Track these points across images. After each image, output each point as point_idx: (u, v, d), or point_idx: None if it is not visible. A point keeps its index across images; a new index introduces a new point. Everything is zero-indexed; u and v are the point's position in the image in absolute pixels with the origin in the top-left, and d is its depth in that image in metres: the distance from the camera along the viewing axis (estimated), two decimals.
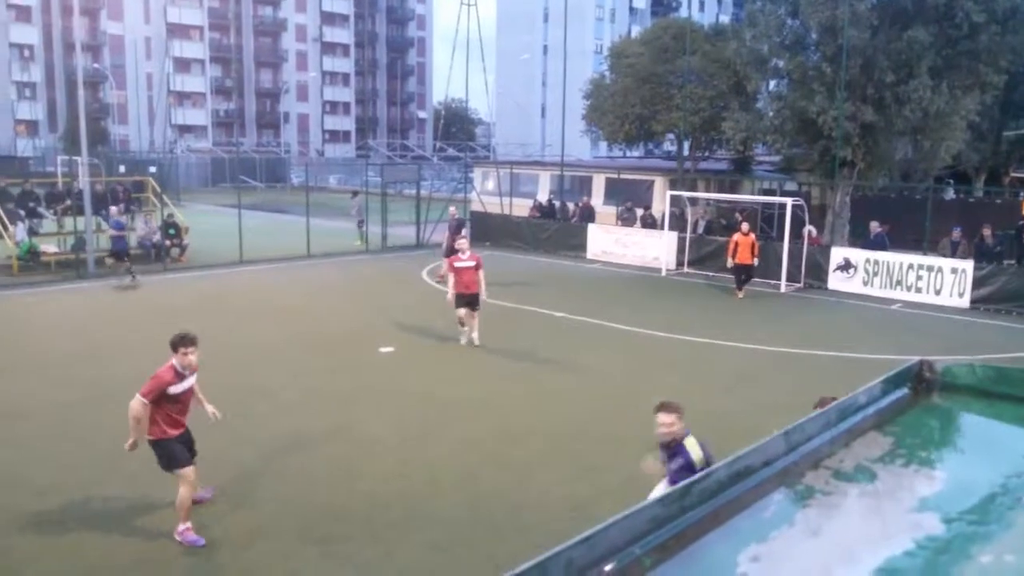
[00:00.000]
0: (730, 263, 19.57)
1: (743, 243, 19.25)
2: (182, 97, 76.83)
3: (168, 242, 22.88)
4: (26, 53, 68.04)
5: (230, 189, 43.79)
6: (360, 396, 11.29)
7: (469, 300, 13.80)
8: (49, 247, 21.74)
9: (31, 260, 20.90)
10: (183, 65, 76.45)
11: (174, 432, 7.12)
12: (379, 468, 8.79)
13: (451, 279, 13.85)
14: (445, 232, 21.47)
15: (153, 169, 37.34)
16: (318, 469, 8.74)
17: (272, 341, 14.27)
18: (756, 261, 19.46)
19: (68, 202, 20.89)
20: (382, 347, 13.79)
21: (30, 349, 13.63)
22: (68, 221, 21.96)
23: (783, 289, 20.21)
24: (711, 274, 21.99)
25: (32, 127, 68.57)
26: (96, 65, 67.36)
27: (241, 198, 25.63)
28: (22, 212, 22.16)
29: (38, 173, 41.55)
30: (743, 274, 19.43)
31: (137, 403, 6.94)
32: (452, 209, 21.14)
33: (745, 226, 19.71)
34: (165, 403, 7.06)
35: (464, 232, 19.44)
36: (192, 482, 7.15)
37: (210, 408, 7.58)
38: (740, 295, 19.32)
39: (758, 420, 9.64)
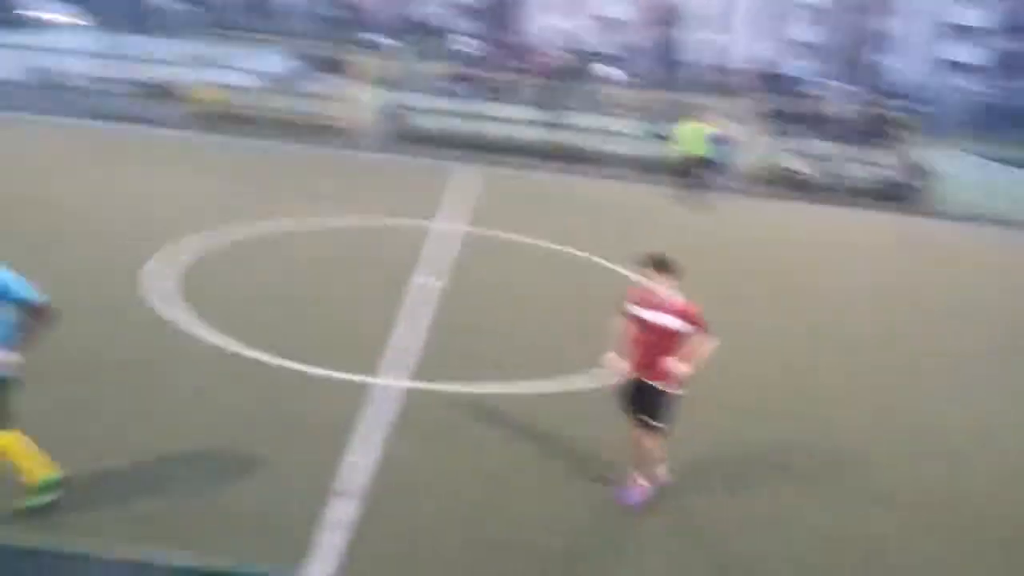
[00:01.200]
0: None
1: None
2: (958, 31, 71.15)
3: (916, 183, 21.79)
4: None
5: (999, 139, 39.25)
6: None
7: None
8: (802, 167, 22.30)
9: (774, 176, 21.90)
10: None
11: (625, 364, 6.10)
12: None
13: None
14: None
15: (914, 105, 35.59)
16: None
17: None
18: None
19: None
20: None
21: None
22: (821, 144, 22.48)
23: None
24: None
25: (809, 49, 71.74)
26: None
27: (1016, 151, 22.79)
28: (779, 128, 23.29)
29: (800, 94, 43.29)
30: None
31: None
32: None
33: None
34: (635, 326, 6.09)
35: None
36: (650, 443, 6.10)
37: (681, 366, 5.89)
38: None
39: None
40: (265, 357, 7.94)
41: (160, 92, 23.79)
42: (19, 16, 35.63)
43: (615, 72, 41.21)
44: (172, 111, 21.75)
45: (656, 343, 5.93)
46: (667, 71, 55.40)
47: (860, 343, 10.60)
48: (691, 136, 18.82)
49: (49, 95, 21.20)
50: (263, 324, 8.84)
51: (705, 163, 18.91)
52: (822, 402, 8.56)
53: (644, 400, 6.06)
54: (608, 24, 69.18)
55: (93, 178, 14.98)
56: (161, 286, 9.54)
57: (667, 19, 67.75)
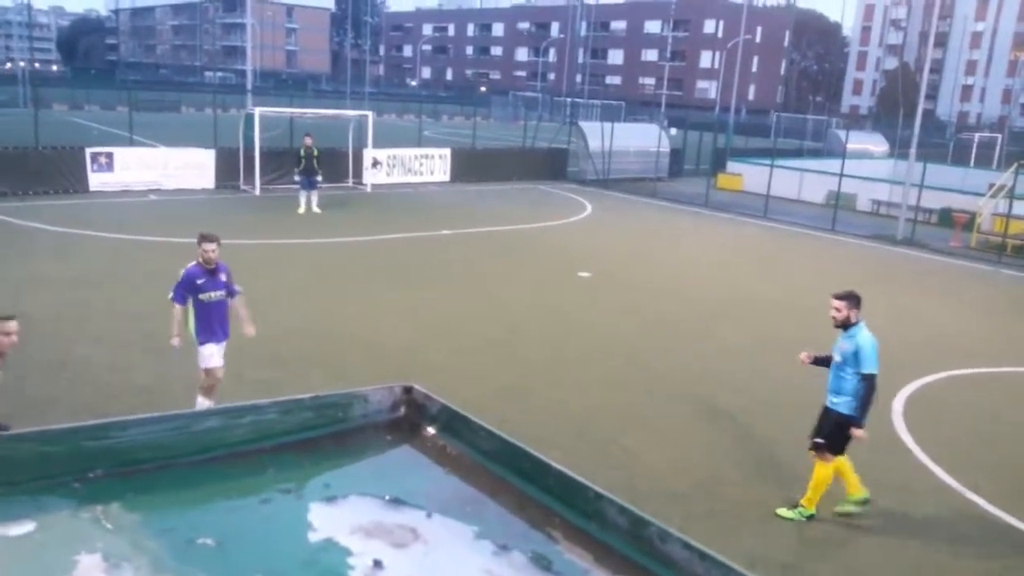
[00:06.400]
0: None
1: None
2: None
3: None
4: None
5: None
6: None
7: None
8: None
9: None
10: None
11: None
12: None
13: None
14: None
15: None
16: None
17: None
18: None
19: None
20: None
21: None
22: None
23: None
24: None
25: None
26: None
27: None
28: None
29: None
30: None
31: None
32: None
33: None
34: None
35: None
36: None
37: None
38: None
39: None
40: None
41: (945, 219, 23.35)
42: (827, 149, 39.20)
43: None
44: (955, 238, 21.35)
45: None
46: None
47: None
48: None
49: (840, 216, 22.77)
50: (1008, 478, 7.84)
51: None
52: None
53: None
54: None
55: (884, 301, 14.89)
56: (910, 416, 9.21)
57: None
